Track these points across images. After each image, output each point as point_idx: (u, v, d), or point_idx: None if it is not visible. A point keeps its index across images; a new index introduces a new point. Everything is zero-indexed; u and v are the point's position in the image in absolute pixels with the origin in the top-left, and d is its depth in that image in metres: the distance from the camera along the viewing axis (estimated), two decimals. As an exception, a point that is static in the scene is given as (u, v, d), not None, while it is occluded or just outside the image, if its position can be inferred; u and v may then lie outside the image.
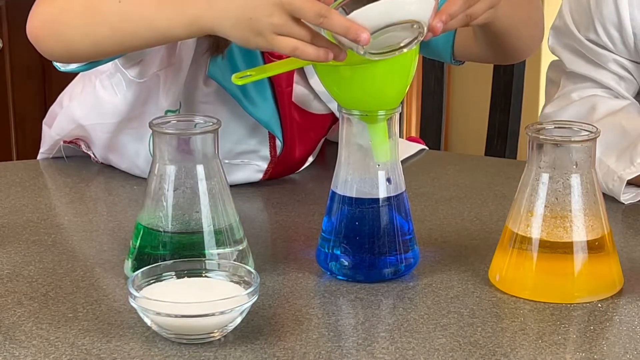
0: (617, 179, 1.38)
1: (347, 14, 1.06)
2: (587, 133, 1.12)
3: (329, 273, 1.19)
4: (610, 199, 1.39)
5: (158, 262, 1.10)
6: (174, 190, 1.13)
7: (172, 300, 1.02)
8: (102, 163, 1.55)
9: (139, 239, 1.15)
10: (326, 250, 1.18)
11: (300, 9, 1.07)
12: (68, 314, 1.09)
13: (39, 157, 1.61)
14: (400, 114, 1.16)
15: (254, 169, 1.47)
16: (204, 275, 1.09)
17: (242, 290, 1.06)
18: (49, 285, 1.16)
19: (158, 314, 1.01)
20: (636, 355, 1.02)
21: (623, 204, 1.39)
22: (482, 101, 2.08)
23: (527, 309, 1.11)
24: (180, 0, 1.16)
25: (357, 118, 1.15)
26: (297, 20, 1.08)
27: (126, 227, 1.32)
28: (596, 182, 1.13)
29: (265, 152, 1.46)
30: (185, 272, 1.09)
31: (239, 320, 1.04)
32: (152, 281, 1.08)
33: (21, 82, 2.74)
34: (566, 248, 1.12)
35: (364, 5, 1.06)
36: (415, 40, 1.09)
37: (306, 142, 1.50)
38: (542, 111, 1.56)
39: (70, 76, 1.56)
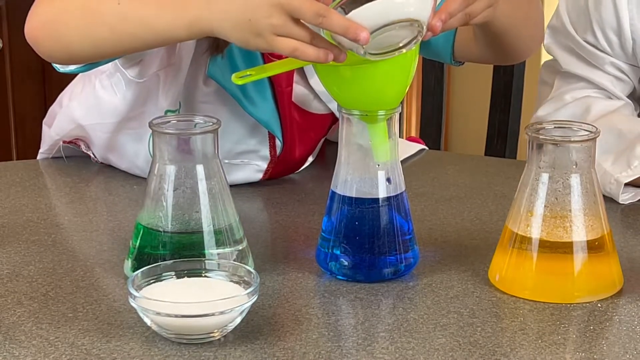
0: (614, 182, 1.38)
1: (346, 14, 1.06)
2: (587, 133, 1.13)
3: (328, 273, 1.19)
4: (609, 199, 1.39)
5: (158, 262, 1.10)
6: (173, 190, 1.13)
7: (172, 300, 1.02)
8: (101, 163, 1.55)
9: (139, 238, 1.15)
10: (326, 250, 1.18)
11: (299, 9, 1.07)
12: (68, 314, 1.09)
13: (38, 157, 1.61)
14: (400, 114, 1.16)
15: (254, 168, 1.47)
16: (203, 275, 1.09)
17: (242, 290, 1.06)
18: (48, 285, 1.16)
19: (158, 313, 1.01)
20: (636, 355, 1.02)
21: (622, 203, 1.40)
22: (482, 101, 2.08)
23: (527, 308, 1.11)
24: (180, 1, 1.16)
25: (357, 118, 1.15)
26: (296, 21, 1.08)
27: (126, 227, 1.32)
28: (596, 182, 1.13)
29: (265, 152, 1.46)
30: (185, 272, 1.09)
31: (238, 320, 1.04)
32: (152, 281, 1.08)
33: (21, 82, 2.74)
34: (566, 248, 1.12)
35: (363, 5, 1.06)
36: (415, 40, 1.09)
37: (306, 142, 1.50)
38: (535, 113, 1.55)
39: (70, 76, 1.56)
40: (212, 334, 1.03)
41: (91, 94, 1.51)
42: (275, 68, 1.21)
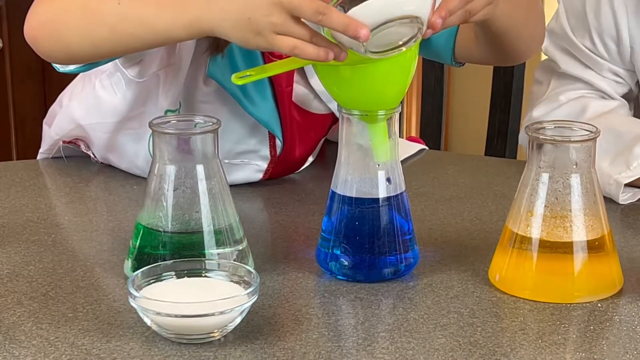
0: (613, 183, 1.38)
1: (346, 12, 1.06)
2: (587, 133, 1.12)
3: (328, 273, 1.19)
4: (609, 199, 1.39)
5: (158, 262, 1.10)
6: (173, 190, 1.13)
7: (172, 300, 1.02)
8: (101, 163, 1.55)
9: (139, 238, 1.15)
10: (326, 250, 1.18)
11: (298, 7, 1.07)
12: (68, 314, 1.09)
13: (38, 157, 1.61)
14: (400, 113, 1.16)
15: (254, 168, 1.47)
16: (203, 275, 1.09)
17: (242, 290, 1.06)
18: (48, 285, 1.16)
19: (158, 313, 1.01)
20: (636, 355, 1.02)
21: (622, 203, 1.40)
22: (482, 101, 2.08)
23: (527, 308, 1.11)
24: (180, 1, 1.16)
25: (357, 118, 1.15)
26: (296, 19, 1.08)
27: (126, 227, 1.32)
28: (596, 181, 1.13)
29: (265, 151, 1.46)
30: (185, 272, 1.09)
31: (238, 320, 1.04)
32: (152, 281, 1.08)
33: (21, 82, 2.74)
34: (566, 248, 1.12)
35: (362, 2, 1.06)
36: (415, 38, 1.09)
37: (306, 142, 1.50)
38: (529, 114, 1.54)
39: (70, 76, 1.56)
40: (212, 334, 1.03)
41: (91, 93, 1.51)
42: (275, 68, 1.21)
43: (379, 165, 1.16)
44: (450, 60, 1.45)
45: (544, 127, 1.14)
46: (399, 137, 1.23)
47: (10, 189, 1.46)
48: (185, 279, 1.09)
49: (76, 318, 1.08)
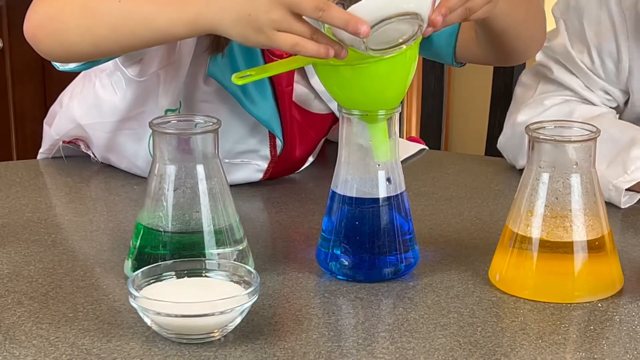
0: (612, 188, 1.38)
1: (345, 9, 1.06)
2: (587, 133, 1.12)
3: (329, 273, 1.19)
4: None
5: (158, 262, 1.10)
6: (174, 190, 1.13)
7: (172, 300, 1.02)
8: (102, 163, 1.55)
9: (139, 238, 1.15)
10: (326, 250, 1.18)
11: (299, 4, 1.07)
12: (68, 314, 1.09)
13: (38, 157, 1.61)
14: (400, 113, 1.16)
15: (254, 168, 1.47)
16: (204, 275, 1.09)
17: (242, 290, 1.05)
18: (49, 285, 1.16)
19: (158, 313, 1.01)
20: (636, 355, 1.02)
21: (622, 203, 1.39)
22: (482, 101, 2.08)
23: (527, 308, 1.11)
24: None
25: (357, 118, 1.15)
26: (297, 16, 1.09)
27: (126, 227, 1.32)
28: (596, 181, 1.13)
29: (266, 151, 1.46)
30: (186, 272, 1.09)
31: (239, 320, 1.04)
32: (152, 281, 1.08)
33: (21, 82, 2.74)
34: (566, 248, 1.12)
35: None
36: (415, 35, 1.09)
37: (306, 141, 1.50)
38: (514, 118, 1.52)
39: (70, 76, 1.56)
40: (212, 334, 1.03)
41: (91, 93, 1.51)
42: (276, 68, 1.21)
43: (379, 165, 1.16)
44: (451, 61, 1.45)
45: (544, 127, 1.14)
46: (399, 137, 1.23)
47: (11, 188, 1.46)
48: (186, 278, 1.09)
49: (76, 318, 1.08)
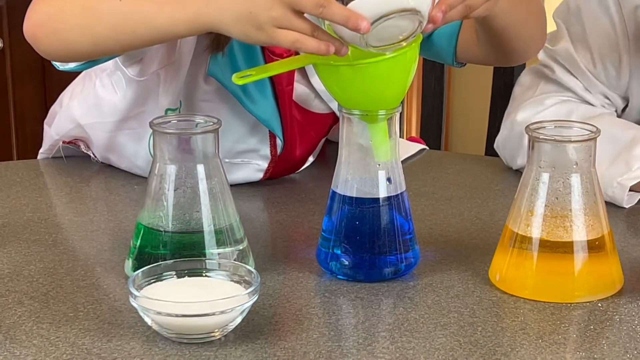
0: (617, 185, 1.37)
1: (346, 5, 1.06)
2: (587, 132, 1.13)
3: (329, 272, 1.19)
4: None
5: (158, 262, 1.10)
6: (174, 190, 1.13)
7: (172, 300, 1.02)
8: (102, 163, 1.55)
9: (140, 238, 1.15)
10: (326, 250, 1.18)
11: (299, 1, 1.07)
12: (69, 314, 1.09)
13: (38, 157, 1.61)
14: (400, 113, 1.16)
15: (255, 168, 1.47)
16: (204, 274, 1.09)
17: (242, 290, 1.06)
18: (49, 285, 1.16)
19: (159, 313, 1.01)
20: (636, 355, 1.02)
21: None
22: (482, 101, 2.08)
23: (527, 308, 1.11)
24: None
25: (357, 118, 1.15)
26: (297, 13, 1.09)
27: (127, 227, 1.32)
28: (596, 181, 1.13)
29: (266, 151, 1.46)
30: (186, 271, 1.09)
31: (239, 319, 1.04)
32: (152, 281, 1.08)
33: (21, 82, 2.74)
34: (566, 247, 1.12)
35: None
36: (416, 32, 1.09)
37: (307, 141, 1.50)
38: (512, 117, 1.51)
39: (71, 76, 1.56)
40: (212, 334, 1.03)
41: (91, 93, 1.51)
42: (276, 68, 1.21)
43: (379, 165, 1.16)
44: (452, 61, 1.45)
45: (544, 127, 1.14)
46: (400, 137, 1.23)
47: (11, 188, 1.46)
48: (186, 278, 1.09)
49: (77, 318, 1.08)
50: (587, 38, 1.51)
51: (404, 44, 1.10)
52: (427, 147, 1.67)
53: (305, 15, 1.10)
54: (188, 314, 1.01)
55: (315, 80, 1.46)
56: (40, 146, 1.61)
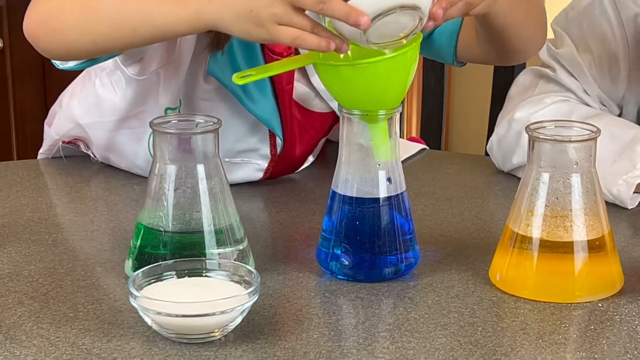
0: (622, 184, 1.36)
1: (346, 1, 1.06)
2: (587, 132, 1.12)
3: (329, 272, 1.19)
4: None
5: (159, 262, 1.10)
6: (174, 190, 1.13)
7: (172, 300, 1.02)
8: (102, 163, 1.55)
9: (140, 238, 1.15)
10: (327, 250, 1.18)
11: None
12: (69, 314, 1.09)
13: (38, 157, 1.61)
14: (400, 113, 1.16)
15: (254, 167, 1.47)
16: (204, 274, 1.09)
17: (242, 290, 1.06)
18: (49, 285, 1.16)
19: (159, 313, 1.01)
20: (637, 354, 1.02)
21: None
22: (483, 101, 2.08)
23: (527, 308, 1.11)
24: None
25: (357, 118, 1.15)
26: (297, 9, 1.09)
27: (127, 227, 1.32)
28: (596, 181, 1.13)
29: (266, 150, 1.46)
30: (186, 271, 1.09)
31: (239, 319, 1.04)
32: (152, 281, 1.08)
33: (21, 82, 2.74)
34: (566, 247, 1.12)
35: None
36: (416, 29, 1.09)
37: (307, 140, 1.50)
38: (511, 116, 1.49)
39: (71, 76, 1.56)
40: (212, 334, 1.03)
41: (91, 92, 1.51)
42: (277, 68, 1.21)
43: (379, 165, 1.16)
44: (452, 60, 1.45)
45: (544, 127, 1.14)
46: (400, 137, 1.23)
47: (11, 188, 1.46)
48: (186, 278, 1.09)
49: (77, 318, 1.08)
50: (588, 44, 1.51)
51: (404, 41, 1.10)
52: (427, 147, 1.67)
53: (306, 12, 1.10)
54: (188, 314, 1.01)
55: (316, 79, 1.46)
56: (40, 146, 1.61)
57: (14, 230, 1.31)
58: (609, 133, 1.39)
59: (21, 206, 1.40)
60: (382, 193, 1.16)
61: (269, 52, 1.41)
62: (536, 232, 1.13)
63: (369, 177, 1.16)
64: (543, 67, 1.54)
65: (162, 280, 1.08)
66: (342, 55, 1.16)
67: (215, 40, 1.36)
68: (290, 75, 1.44)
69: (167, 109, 1.42)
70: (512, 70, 1.87)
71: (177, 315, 1.01)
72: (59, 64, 1.35)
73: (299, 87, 1.46)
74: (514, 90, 1.56)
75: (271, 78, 1.43)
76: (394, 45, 1.10)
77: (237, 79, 1.14)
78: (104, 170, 1.54)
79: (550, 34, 1.52)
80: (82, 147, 1.55)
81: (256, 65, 1.39)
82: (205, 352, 1.01)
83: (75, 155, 1.57)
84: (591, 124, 1.14)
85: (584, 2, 1.52)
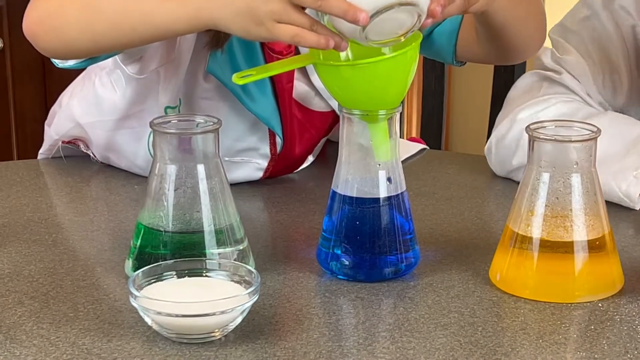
0: (632, 180, 1.35)
1: None
2: (587, 132, 1.12)
3: (329, 272, 1.19)
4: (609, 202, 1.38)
5: (159, 262, 1.10)
6: (174, 190, 1.13)
7: (172, 300, 1.02)
8: (102, 162, 1.55)
9: (140, 238, 1.15)
10: (327, 250, 1.18)
11: None
12: (69, 314, 1.09)
13: (38, 157, 1.61)
14: (400, 113, 1.16)
15: (254, 167, 1.47)
16: (204, 274, 1.09)
17: (242, 290, 1.06)
18: (49, 285, 1.16)
19: (159, 313, 1.01)
20: (637, 354, 1.02)
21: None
22: (483, 100, 2.08)
23: (527, 308, 1.11)
24: None
25: (357, 117, 1.15)
26: (296, 7, 1.09)
27: (127, 227, 1.32)
28: (597, 181, 1.13)
29: (266, 149, 1.46)
30: (186, 271, 1.09)
31: (239, 319, 1.04)
32: (152, 281, 1.08)
33: (22, 82, 2.74)
34: (567, 247, 1.12)
35: None
36: (415, 26, 1.09)
37: (306, 139, 1.50)
38: (513, 117, 1.48)
39: (71, 76, 1.56)
40: (213, 334, 1.03)
41: (91, 92, 1.51)
42: (277, 68, 1.21)
43: (379, 165, 1.16)
44: (452, 59, 1.45)
45: (544, 127, 1.14)
46: (400, 137, 1.23)
47: (11, 188, 1.46)
48: (186, 278, 1.09)
49: (77, 318, 1.08)
50: (590, 54, 1.50)
51: (403, 38, 1.10)
52: (428, 147, 1.67)
53: (305, 10, 1.10)
54: (188, 314, 1.01)
55: (315, 78, 1.46)
56: (40, 146, 1.61)
57: (14, 230, 1.31)
58: (616, 129, 1.39)
59: (21, 206, 1.40)
60: (382, 193, 1.16)
61: (269, 50, 1.41)
62: (536, 232, 1.13)
63: (369, 177, 1.16)
64: (546, 71, 1.54)
65: (162, 280, 1.08)
66: (342, 56, 1.16)
67: (215, 39, 1.36)
68: (290, 74, 1.44)
69: (166, 107, 1.42)
70: (512, 70, 1.87)
71: (177, 315, 1.01)
72: (59, 63, 1.35)
73: (299, 86, 1.46)
74: (513, 93, 1.54)
75: (271, 77, 1.43)
76: (392, 43, 1.11)
77: (237, 79, 1.14)
78: (104, 170, 1.54)
79: (547, 43, 1.52)
80: (82, 147, 1.55)
81: (256, 63, 1.39)
82: (206, 352, 1.01)
83: (75, 155, 1.57)
84: (591, 124, 1.14)
85: (580, 15, 1.52)
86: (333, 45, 1.10)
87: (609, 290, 1.14)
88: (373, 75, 1.12)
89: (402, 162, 1.23)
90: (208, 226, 1.13)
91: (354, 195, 1.16)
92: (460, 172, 1.54)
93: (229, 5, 1.13)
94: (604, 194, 1.15)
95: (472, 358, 1.01)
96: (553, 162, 1.12)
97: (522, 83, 1.54)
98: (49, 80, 2.73)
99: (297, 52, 1.42)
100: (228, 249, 1.15)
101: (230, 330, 1.04)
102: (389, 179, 1.16)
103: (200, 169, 1.13)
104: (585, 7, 1.52)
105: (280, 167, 1.49)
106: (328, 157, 1.58)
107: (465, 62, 1.48)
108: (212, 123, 1.13)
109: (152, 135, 1.17)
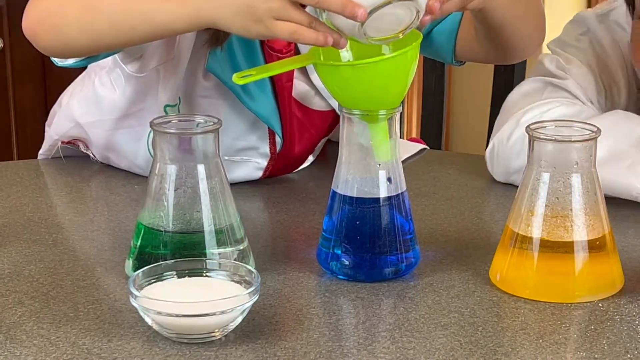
0: None
1: None
2: (588, 132, 1.12)
3: (329, 272, 1.19)
4: (610, 199, 1.38)
5: (159, 262, 1.10)
6: (174, 190, 1.13)
7: (173, 300, 1.02)
8: (101, 162, 1.55)
9: (140, 238, 1.15)
10: (327, 250, 1.18)
11: None
12: (69, 314, 1.09)
13: (38, 157, 1.61)
14: (401, 113, 1.16)
15: (254, 166, 1.47)
16: (204, 274, 1.09)
17: (242, 290, 1.06)
18: (49, 285, 1.16)
19: (159, 313, 1.01)
20: (637, 354, 1.02)
21: (623, 203, 1.38)
22: (483, 100, 2.08)
23: (527, 308, 1.11)
24: None
25: (358, 117, 1.15)
26: (295, 4, 1.10)
27: (127, 227, 1.32)
28: (597, 181, 1.13)
29: (265, 148, 1.46)
30: (186, 271, 1.09)
31: (239, 319, 1.04)
32: (153, 281, 1.08)
33: (22, 82, 2.74)
34: (567, 247, 1.12)
35: None
36: (413, 23, 1.09)
37: (306, 138, 1.50)
38: (517, 120, 1.46)
39: (71, 75, 1.56)
40: (213, 334, 1.03)
41: (90, 91, 1.51)
42: (277, 67, 1.21)
43: (379, 165, 1.16)
44: (451, 59, 1.45)
45: (544, 127, 1.14)
46: (400, 137, 1.23)
47: (11, 188, 1.46)
48: (186, 278, 1.09)
49: (77, 317, 1.08)
50: (591, 66, 1.50)
51: (401, 35, 1.10)
52: (428, 147, 1.67)
53: (304, 8, 1.11)
54: (188, 314, 1.01)
55: (315, 77, 1.46)
56: (40, 146, 1.61)
57: (14, 230, 1.31)
58: (625, 126, 1.39)
59: (21, 206, 1.40)
60: (383, 193, 1.16)
61: (269, 48, 1.41)
62: (536, 232, 1.13)
63: (369, 177, 1.16)
64: (551, 77, 1.53)
65: (162, 280, 1.08)
66: (342, 56, 1.16)
67: (214, 37, 1.36)
68: (289, 72, 1.44)
69: (166, 106, 1.42)
70: (512, 70, 1.87)
71: (177, 315, 1.01)
72: (58, 62, 1.35)
73: (299, 85, 1.46)
74: (513, 97, 1.52)
75: (270, 76, 1.43)
76: (391, 40, 1.11)
77: (238, 79, 1.14)
78: (104, 170, 1.54)
79: (548, 49, 1.52)
80: (82, 147, 1.55)
81: (255, 61, 1.39)
82: (206, 352, 1.01)
83: (75, 155, 1.57)
84: (591, 124, 1.14)
85: (577, 31, 1.52)
86: (332, 42, 1.10)
87: (609, 290, 1.14)
88: (373, 75, 1.12)
89: (402, 162, 1.23)
90: (208, 226, 1.13)
91: (354, 195, 1.16)
92: (460, 172, 1.54)
93: (229, 4, 1.14)
94: (617, 190, 1.15)
95: (472, 358, 1.01)
96: (553, 162, 1.12)
97: (522, 89, 1.52)
98: (49, 80, 2.73)
99: (297, 50, 1.42)
100: (228, 249, 1.15)
101: (230, 330, 1.04)
102: (389, 179, 1.16)
103: (201, 169, 1.13)
104: (580, 24, 1.52)
105: (280, 166, 1.49)
106: (328, 157, 1.58)
107: (465, 62, 1.48)
108: (212, 123, 1.13)
109: (151, 135, 1.17)
